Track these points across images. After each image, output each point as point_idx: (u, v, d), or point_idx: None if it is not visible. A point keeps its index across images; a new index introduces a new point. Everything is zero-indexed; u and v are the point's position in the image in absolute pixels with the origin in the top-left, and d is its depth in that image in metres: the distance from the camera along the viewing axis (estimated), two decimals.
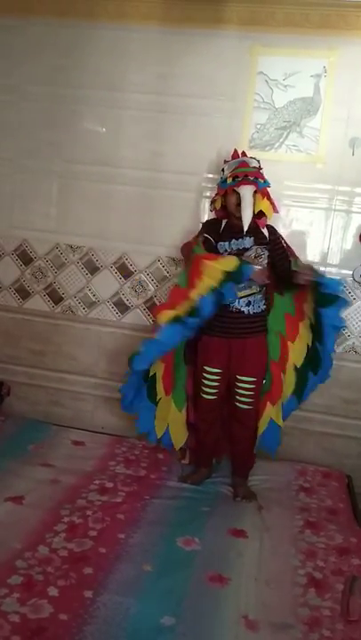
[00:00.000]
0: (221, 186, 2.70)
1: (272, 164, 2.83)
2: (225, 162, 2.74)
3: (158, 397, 2.85)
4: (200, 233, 2.77)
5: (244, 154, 2.76)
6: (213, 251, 2.66)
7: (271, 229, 2.77)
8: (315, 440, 3.18)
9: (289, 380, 2.86)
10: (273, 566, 2.16)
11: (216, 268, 2.51)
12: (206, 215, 3.10)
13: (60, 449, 3.00)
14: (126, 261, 3.27)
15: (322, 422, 3.15)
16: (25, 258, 3.40)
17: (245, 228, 2.61)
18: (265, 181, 2.67)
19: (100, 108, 3.18)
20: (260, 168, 2.66)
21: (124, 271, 3.28)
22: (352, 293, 3.04)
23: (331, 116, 2.95)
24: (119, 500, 2.52)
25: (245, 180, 2.60)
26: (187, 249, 2.74)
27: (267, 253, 2.69)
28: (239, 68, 2.99)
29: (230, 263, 2.52)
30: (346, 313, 3.03)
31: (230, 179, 2.64)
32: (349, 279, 3.03)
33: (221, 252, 2.68)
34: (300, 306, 2.83)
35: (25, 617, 1.74)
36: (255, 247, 2.67)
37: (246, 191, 2.60)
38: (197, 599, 1.93)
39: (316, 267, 3.00)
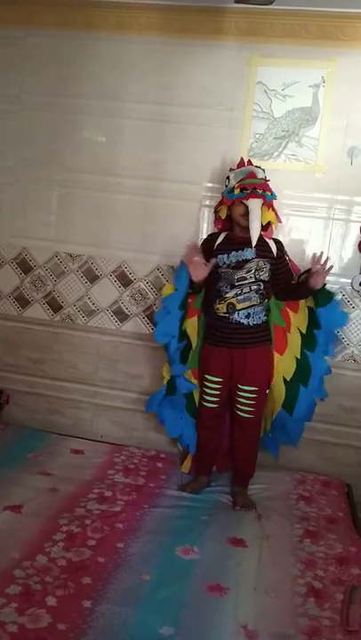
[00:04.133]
0: (228, 196, 2.67)
1: (271, 173, 2.84)
2: (230, 170, 2.75)
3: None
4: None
5: (250, 162, 2.78)
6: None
7: (280, 245, 2.77)
8: (314, 448, 3.17)
9: (278, 392, 2.86)
10: (272, 576, 2.15)
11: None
12: (205, 224, 3.12)
13: (58, 457, 2.99)
14: (126, 270, 3.27)
15: (321, 431, 3.14)
16: (24, 266, 3.41)
17: (254, 243, 2.60)
18: (272, 194, 2.67)
19: (101, 117, 3.20)
20: (266, 179, 2.67)
21: (124, 280, 3.28)
22: (351, 302, 3.05)
23: (329, 126, 2.97)
24: (118, 509, 2.51)
25: (254, 194, 2.59)
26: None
27: (268, 267, 2.69)
28: (238, 78, 3.01)
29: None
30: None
31: (238, 190, 2.61)
32: (348, 288, 3.04)
33: (220, 264, 2.69)
34: (287, 318, 2.86)
35: (23, 627, 1.73)
36: (257, 260, 2.67)
37: (255, 205, 2.58)
38: (196, 609, 1.92)
39: None
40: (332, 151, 2.98)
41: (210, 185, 3.09)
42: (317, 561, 2.25)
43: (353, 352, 3.09)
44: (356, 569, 2.20)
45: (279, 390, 2.85)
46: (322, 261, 2.60)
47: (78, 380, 3.42)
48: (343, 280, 3.04)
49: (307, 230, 3.07)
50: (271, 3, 2.31)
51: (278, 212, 2.82)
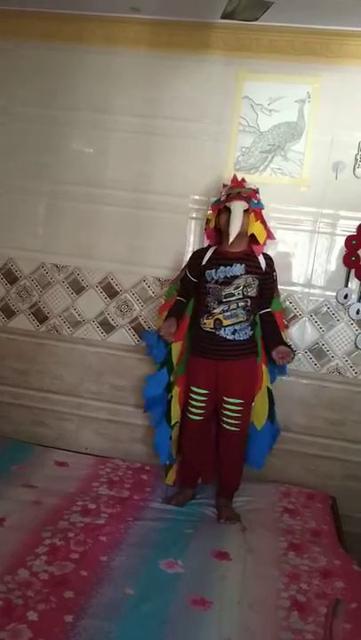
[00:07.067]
0: (214, 203, 2.75)
1: (257, 186, 2.86)
2: (224, 185, 2.79)
3: (174, 421, 2.85)
4: (185, 265, 2.87)
5: (243, 180, 2.80)
6: (194, 284, 2.79)
7: (269, 261, 2.76)
8: (299, 461, 3.17)
9: (263, 402, 2.85)
10: (256, 589, 2.13)
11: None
12: (193, 236, 3.13)
13: (42, 469, 2.96)
14: (112, 281, 3.27)
15: (306, 443, 3.15)
16: (10, 277, 3.40)
17: (232, 239, 2.59)
18: (258, 202, 2.70)
19: (89, 129, 3.21)
20: (256, 191, 2.73)
21: (110, 291, 3.28)
22: (336, 315, 3.07)
23: (314, 141, 3.00)
24: (102, 521, 2.48)
25: (237, 196, 2.63)
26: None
27: (257, 282, 2.68)
28: (225, 93, 3.04)
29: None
30: (330, 334, 3.08)
31: (224, 197, 2.68)
32: (333, 301, 3.06)
33: (208, 279, 2.69)
34: None
35: None
36: (246, 276, 2.66)
37: (236, 206, 2.60)
38: (180, 623, 1.90)
39: (300, 289, 3.08)
40: (317, 165, 3.01)
41: (197, 197, 3.11)
42: (301, 574, 2.24)
43: (338, 364, 3.10)
44: (340, 582, 2.19)
45: (263, 399, 2.85)
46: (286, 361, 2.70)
47: (63, 391, 3.40)
48: (328, 293, 3.06)
49: (292, 243, 3.09)
50: (257, 19, 2.33)
51: (270, 229, 2.83)
